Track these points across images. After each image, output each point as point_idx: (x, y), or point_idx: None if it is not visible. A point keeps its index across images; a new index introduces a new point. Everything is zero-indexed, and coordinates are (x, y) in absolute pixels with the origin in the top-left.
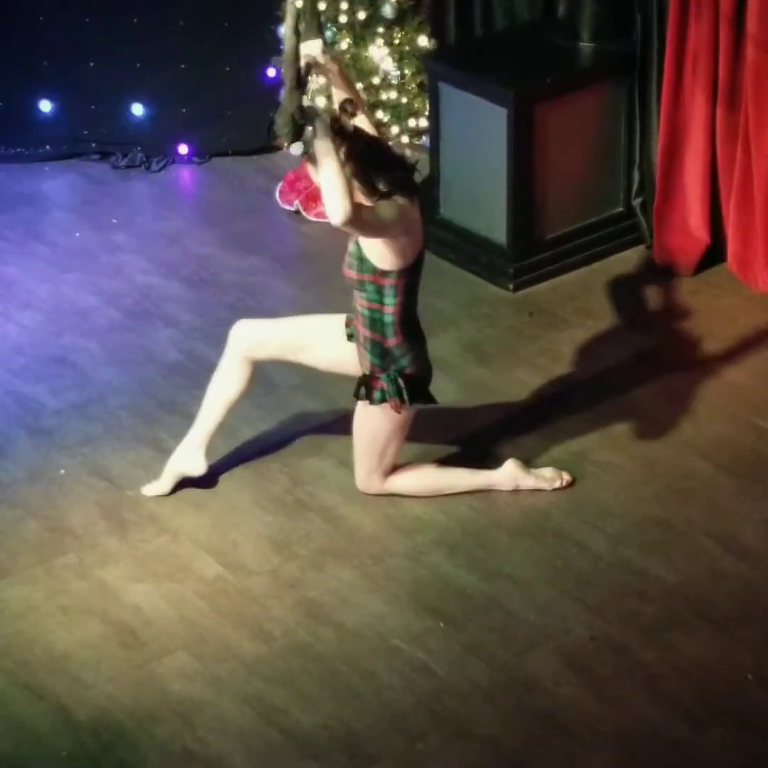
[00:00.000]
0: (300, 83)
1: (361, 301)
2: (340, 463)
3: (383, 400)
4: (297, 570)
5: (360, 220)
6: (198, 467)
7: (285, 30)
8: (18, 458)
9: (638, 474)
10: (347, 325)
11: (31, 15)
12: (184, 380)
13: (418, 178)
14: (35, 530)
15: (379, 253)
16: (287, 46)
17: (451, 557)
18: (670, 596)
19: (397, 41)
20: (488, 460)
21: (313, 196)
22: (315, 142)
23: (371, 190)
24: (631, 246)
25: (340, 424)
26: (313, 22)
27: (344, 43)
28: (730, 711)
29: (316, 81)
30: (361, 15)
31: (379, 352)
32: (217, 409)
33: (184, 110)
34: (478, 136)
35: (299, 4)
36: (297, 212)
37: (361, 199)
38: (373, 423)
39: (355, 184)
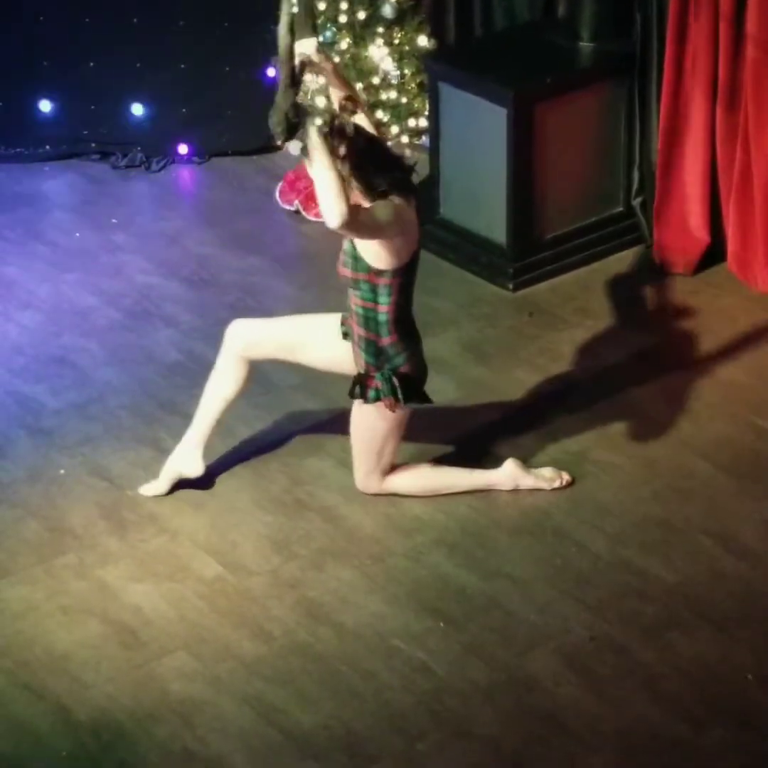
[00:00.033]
0: (294, 82)
1: (355, 300)
2: (340, 463)
3: (377, 398)
4: (297, 570)
5: (356, 223)
6: (195, 468)
7: (279, 29)
8: (18, 458)
9: (638, 474)
10: (342, 324)
11: (31, 15)
12: (184, 380)
13: (416, 178)
14: (35, 530)
15: (374, 252)
16: (281, 45)
17: (451, 557)
18: (670, 596)
19: (396, 41)
20: (488, 460)
21: (313, 196)
22: (308, 143)
23: (369, 190)
24: (631, 246)
25: (340, 424)
26: (308, 21)
27: (344, 43)
28: (730, 711)
29: (316, 81)
30: (361, 15)
31: (374, 350)
32: (214, 408)
33: (184, 110)
34: (478, 136)
35: (294, 2)
36: (297, 212)
37: (358, 197)
38: (369, 422)
39: (353, 182)
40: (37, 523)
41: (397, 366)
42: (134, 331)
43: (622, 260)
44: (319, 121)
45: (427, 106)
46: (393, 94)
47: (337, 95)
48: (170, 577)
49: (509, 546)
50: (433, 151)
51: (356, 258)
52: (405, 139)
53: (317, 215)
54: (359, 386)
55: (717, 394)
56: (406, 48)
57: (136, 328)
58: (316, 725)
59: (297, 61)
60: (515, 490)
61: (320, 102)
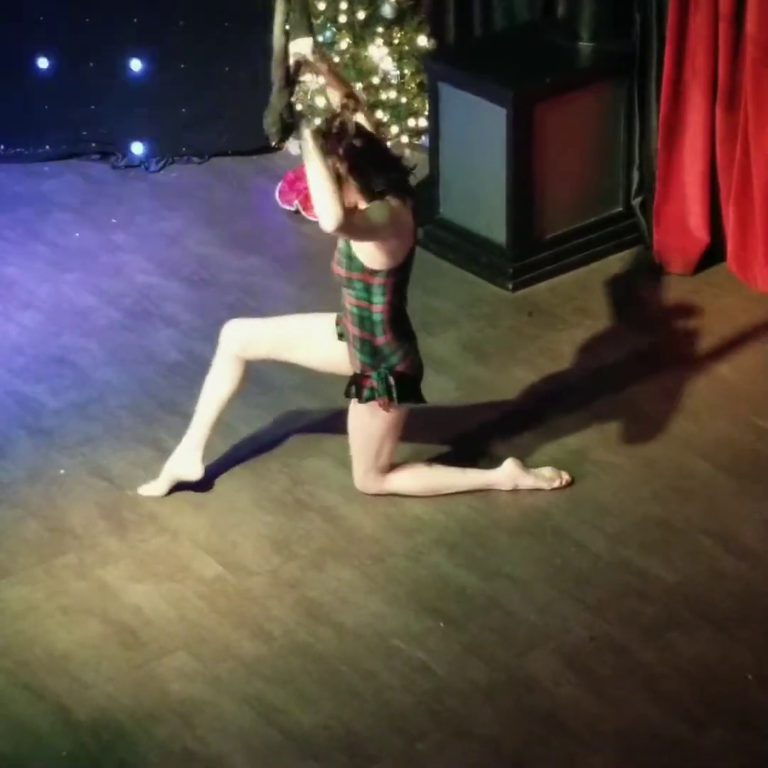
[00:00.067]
0: (289, 82)
1: (349, 299)
2: (340, 463)
3: (372, 398)
4: (297, 570)
5: (351, 226)
6: (195, 472)
7: (274, 30)
8: (18, 458)
9: (638, 473)
10: (337, 325)
11: (31, 15)
12: (184, 380)
13: (415, 179)
14: (35, 530)
15: (369, 253)
16: (276, 45)
17: (451, 557)
18: (670, 596)
19: (396, 41)
20: (487, 460)
21: None
22: (302, 145)
23: (367, 189)
24: (631, 246)
25: (340, 424)
26: (303, 21)
27: (344, 43)
28: (730, 711)
29: (316, 81)
30: (361, 15)
31: (369, 350)
32: (211, 409)
33: (183, 110)
34: (478, 136)
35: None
36: (297, 212)
37: (355, 196)
38: (365, 422)
39: (351, 181)
40: (37, 523)
41: (392, 365)
42: (134, 331)
43: (621, 260)
44: (314, 124)
45: (427, 106)
46: (393, 94)
47: (334, 95)
48: (170, 577)
49: (509, 546)
50: (433, 151)
51: (351, 257)
52: (405, 139)
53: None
54: (355, 386)
55: (717, 394)
56: (406, 48)
57: (136, 328)
58: (316, 725)
59: (292, 60)
60: (515, 490)
61: (320, 102)
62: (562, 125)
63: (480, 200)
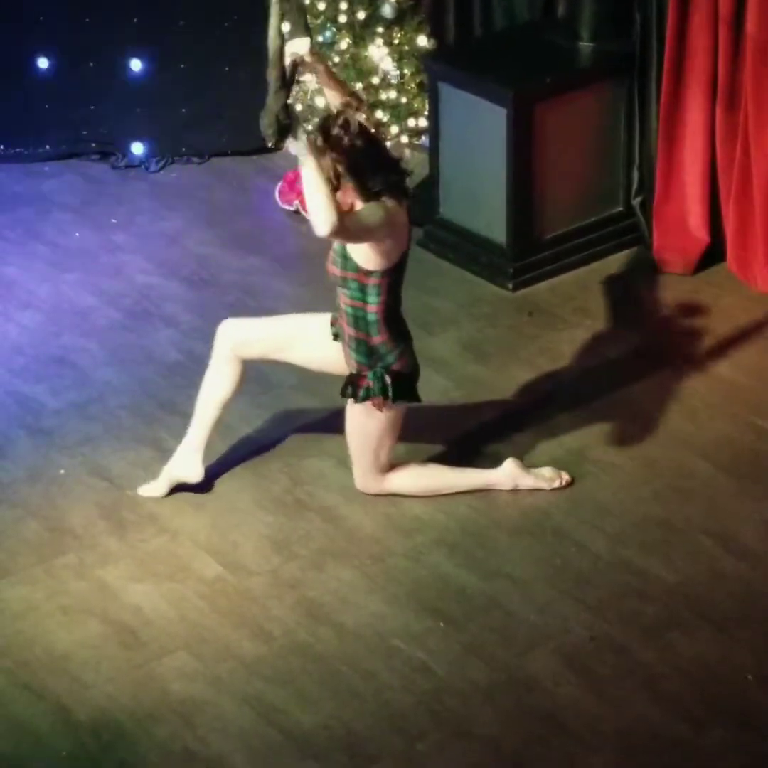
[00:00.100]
0: (285, 83)
1: (344, 299)
2: (340, 463)
3: (367, 397)
4: (297, 570)
5: (345, 230)
6: (195, 473)
7: (269, 31)
8: (18, 458)
9: (638, 473)
10: (332, 325)
11: (31, 15)
12: (184, 380)
13: (414, 179)
14: (35, 530)
15: (364, 253)
16: (272, 46)
17: (451, 557)
18: (670, 596)
19: (396, 41)
20: (487, 460)
21: None
22: (297, 148)
23: (363, 189)
24: (631, 246)
25: (340, 424)
26: (300, 21)
27: (344, 43)
28: (730, 711)
29: (314, 81)
30: (361, 15)
31: (365, 350)
32: (210, 410)
33: (183, 110)
34: (478, 136)
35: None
36: (296, 212)
37: (352, 195)
38: (362, 422)
39: (349, 180)
40: (37, 523)
41: (388, 364)
42: (134, 331)
43: (621, 260)
44: (309, 126)
45: (427, 106)
46: (392, 94)
47: (331, 95)
48: (170, 577)
49: (509, 546)
50: (433, 151)
51: (345, 257)
52: (405, 139)
53: None
54: (351, 386)
55: (717, 394)
56: (406, 48)
57: (136, 328)
58: (316, 725)
59: (289, 61)
60: (515, 490)
61: (320, 102)
62: (562, 125)
63: (480, 200)
